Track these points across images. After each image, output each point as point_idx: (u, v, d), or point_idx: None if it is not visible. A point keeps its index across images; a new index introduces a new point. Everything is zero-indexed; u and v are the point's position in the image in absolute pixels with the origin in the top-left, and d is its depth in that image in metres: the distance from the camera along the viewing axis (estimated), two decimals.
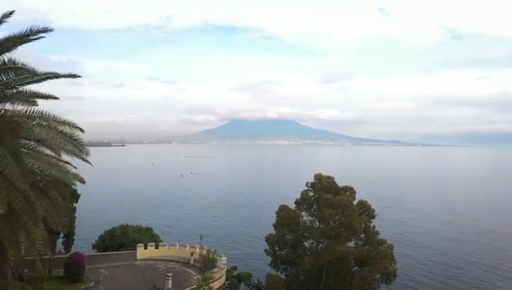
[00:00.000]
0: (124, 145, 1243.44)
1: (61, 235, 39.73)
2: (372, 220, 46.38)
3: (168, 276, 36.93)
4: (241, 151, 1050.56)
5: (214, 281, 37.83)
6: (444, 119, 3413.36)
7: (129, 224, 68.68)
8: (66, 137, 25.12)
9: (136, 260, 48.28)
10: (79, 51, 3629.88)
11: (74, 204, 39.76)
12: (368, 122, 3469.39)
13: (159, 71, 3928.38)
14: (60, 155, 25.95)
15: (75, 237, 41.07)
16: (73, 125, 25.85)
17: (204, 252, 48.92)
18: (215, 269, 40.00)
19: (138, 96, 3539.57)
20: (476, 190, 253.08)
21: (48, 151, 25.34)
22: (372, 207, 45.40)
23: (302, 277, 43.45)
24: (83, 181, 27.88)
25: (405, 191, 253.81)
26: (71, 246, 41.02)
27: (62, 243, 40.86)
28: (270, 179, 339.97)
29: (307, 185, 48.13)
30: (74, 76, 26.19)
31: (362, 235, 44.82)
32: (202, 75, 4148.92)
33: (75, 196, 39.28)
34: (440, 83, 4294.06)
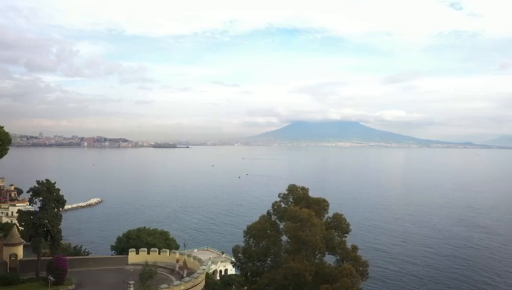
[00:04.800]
0: (188, 147, 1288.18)
1: (48, 238, 41.62)
2: (346, 235, 43.38)
3: (129, 284, 37.35)
4: (301, 153, 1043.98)
5: None
6: None
7: (146, 227, 70.50)
8: None
9: (127, 264, 48.90)
10: (149, 57, 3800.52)
11: (61, 209, 41.43)
12: (437, 123, 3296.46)
13: (223, 74, 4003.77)
14: None
15: (61, 241, 42.88)
16: None
17: (191, 259, 48.91)
18: (184, 282, 39.12)
19: (203, 100, 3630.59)
20: None
21: None
22: (347, 221, 42.45)
23: None
24: None
25: (469, 197, 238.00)
26: (57, 249, 42.93)
27: (49, 246, 42.81)
28: (330, 182, 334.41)
29: (279, 196, 46.43)
30: None
31: (340, 251, 41.89)
32: (264, 78, 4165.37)
33: (60, 202, 40.95)
34: None
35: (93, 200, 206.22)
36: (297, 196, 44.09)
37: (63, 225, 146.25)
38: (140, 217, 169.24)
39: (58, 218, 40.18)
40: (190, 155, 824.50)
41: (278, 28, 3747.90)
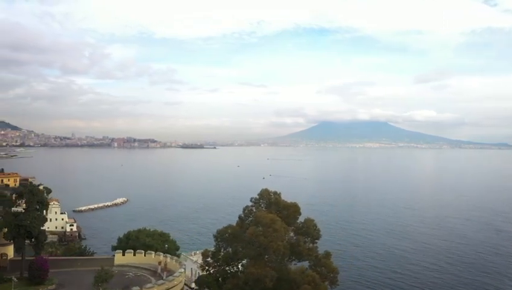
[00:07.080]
0: (215, 147, 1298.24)
1: (32, 240, 42.05)
2: (316, 241, 41.63)
3: (99, 285, 37.24)
4: (327, 154, 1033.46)
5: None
6: None
7: (146, 228, 70.52)
8: None
9: (113, 265, 48.97)
10: (177, 59, 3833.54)
11: (44, 212, 41.84)
12: (470, 123, 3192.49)
13: (251, 75, 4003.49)
14: None
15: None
16: None
17: (173, 261, 48.54)
18: (157, 284, 38.71)
19: (231, 100, 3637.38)
20: None
21: None
22: (317, 227, 40.57)
23: None
24: None
25: (498, 201, 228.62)
26: (41, 250, 43.35)
27: (33, 247, 43.20)
28: (355, 182, 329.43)
29: (251, 200, 45.16)
30: None
31: (308, 257, 40.29)
32: (292, 78, 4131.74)
33: (43, 204, 41.25)
34: None
35: (119, 200, 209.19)
36: (268, 201, 42.99)
37: (87, 224, 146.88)
38: (162, 217, 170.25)
39: (40, 220, 40.65)
40: (217, 156, 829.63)
41: (305, 28, 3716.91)
